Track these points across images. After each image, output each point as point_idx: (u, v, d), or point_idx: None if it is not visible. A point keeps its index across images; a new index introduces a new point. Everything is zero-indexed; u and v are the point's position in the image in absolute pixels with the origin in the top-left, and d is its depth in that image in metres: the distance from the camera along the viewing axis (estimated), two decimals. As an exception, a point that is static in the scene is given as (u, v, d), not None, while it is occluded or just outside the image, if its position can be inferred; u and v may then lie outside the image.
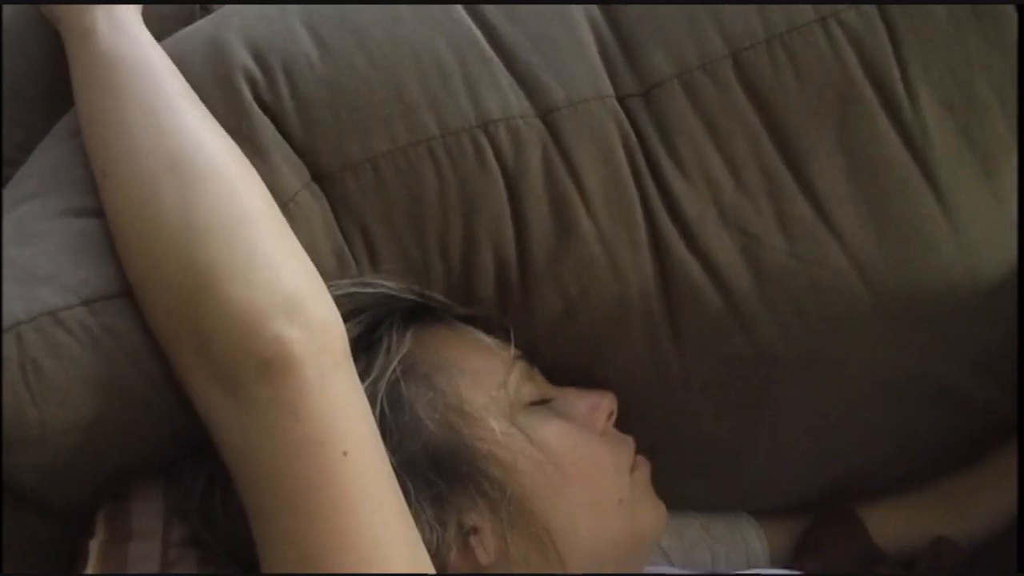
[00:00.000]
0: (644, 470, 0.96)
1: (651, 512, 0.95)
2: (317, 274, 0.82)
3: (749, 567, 1.04)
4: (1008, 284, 0.97)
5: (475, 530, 0.86)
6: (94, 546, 0.86)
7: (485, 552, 0.86)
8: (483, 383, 0.89)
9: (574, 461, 0.89)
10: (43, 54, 1.01)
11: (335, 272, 0.90)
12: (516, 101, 0.93)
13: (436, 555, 0.82)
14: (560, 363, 0.97)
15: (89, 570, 0.85)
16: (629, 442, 0.96)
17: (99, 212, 0.86)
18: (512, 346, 0.92)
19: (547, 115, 0.93)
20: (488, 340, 0.93)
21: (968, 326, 0.99)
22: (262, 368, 0.75)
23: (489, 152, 0.92)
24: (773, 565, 1.10)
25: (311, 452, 0.75)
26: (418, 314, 0.92)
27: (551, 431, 0.90)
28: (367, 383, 0.85)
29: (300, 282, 0.80)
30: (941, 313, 0.97)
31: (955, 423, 1.06)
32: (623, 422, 0.97)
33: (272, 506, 0.76)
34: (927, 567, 1.05)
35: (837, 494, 1.11)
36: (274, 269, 0.79)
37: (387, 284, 0.90)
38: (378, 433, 0.80)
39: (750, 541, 1.12)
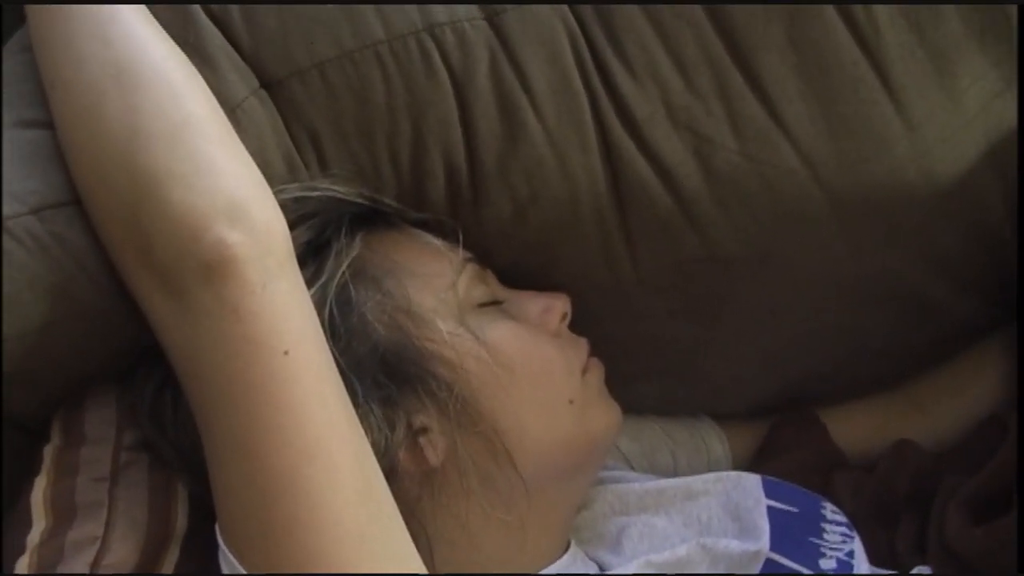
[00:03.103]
0: (597, 372, 0.96)
1: (604, 414, 0.95)
2: (262, 178, 0.82)
3: (710, 470, 1.04)
4: (964, 183, 0.97)
5: (424, 430, 0.86)
6: (48, 451, 0.87)
7: (434, 452, 0.86)
8: (432, 285, 0.90)
9: (522, 361, 0.90)
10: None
11: (285, 177, 0.90)
12: (462, 4, 0.93)
13: (385, 456, 0.83)
14: (514, 266, 0.97)
15: (42, 474, 0.86)
16: (582, 344, 0.97)
17: (48, 124, 0.86)
18: (461, 248, 0.92)
19: (493, 17, 0.93)
20: (438, 243, 0.93)
21: (924, 226, 0.98)
22: (204, 271, 0.76)
23: (436, 55, 0.92)
24: (735, 468, 1.10)
25: (251, 352, 0.75)
26: (368, 218, 0.92)
27: (500, 332, 0.90)
28: (317, 286, 0.85)
29: (243, 186, 0.80)
30: (896, 212, 0.97)
31: (913, 325, 1.06)
32: (578, 325, 0.97)
33: (215, 407, 0.77)
34: (889, 469, 1.05)
35: (798, 397, 1.12)
36: (217, 173, 0.79)
37: (336, 188, 0.90)
38: (322, 334, 0.80)
39: (711, 444, 1.13)
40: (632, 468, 1.09)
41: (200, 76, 0.85)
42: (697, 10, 0.93)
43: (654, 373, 1.06)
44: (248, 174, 0.81)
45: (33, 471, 0.87)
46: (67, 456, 0.87)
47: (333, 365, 0.79)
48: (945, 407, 1.11)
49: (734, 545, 0.90)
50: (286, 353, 0.76)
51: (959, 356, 1.11)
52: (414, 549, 0.78)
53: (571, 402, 0.91)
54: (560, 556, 0.93)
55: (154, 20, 0.86)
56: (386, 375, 0.85)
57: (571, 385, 0.92)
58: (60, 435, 0.88)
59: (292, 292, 0.79)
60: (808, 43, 0.93)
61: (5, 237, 0.82)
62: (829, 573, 0.90)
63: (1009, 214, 1.00)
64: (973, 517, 0.93)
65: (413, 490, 0.86)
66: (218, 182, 0.78)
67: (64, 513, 0.84)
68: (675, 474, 1.08)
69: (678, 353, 1.04)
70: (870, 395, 1.13)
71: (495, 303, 0.93)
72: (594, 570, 0.93)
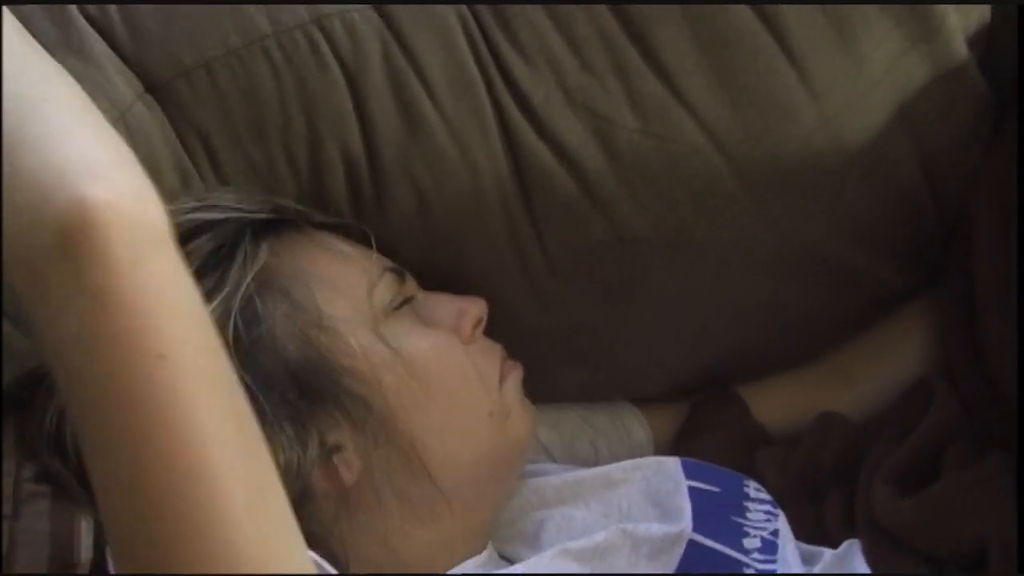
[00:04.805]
0: (515, 375, 0.94)
1: (523, 419, 0.93)
2: (130, 151, 0.66)
3: (632, 456, 1.01)
4: (874, 148, 0.96)
5: (338, 448, 0.83)
6: (-52, 487, 0.84)
7: (349, 470, 0.83)
8: (344, 294, 0.86)
9: (438, 374, 0.87)
10: None
11: (178, 188, 0.88)
12: (351, -3, 0.91)
13: (298, 475, 0.80)
14: (423, 262, 0.95)
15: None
16: (497, 351, 0.94)
17: None
18: (375, 255, 0.89)
19: (383, 5, 0.90)
20: (348, 248, 0.90)
21: (836, 193, 0.97)
22: (59, 241, 0.59)
23: (325, 47, 0.90)
24: (657, 452, 1.08)
25: (120, 355, 0.60)
26: (273, 225, 0.88)
27: (416, 343, 0.87)
28: (219, 298, 0.81)
29: (107, 148, 0.65)
30: (807, 182, 0.96)
31: (834, 295, 1.05)
32: (492, 315, 0.94)
33: (85, 419, 0.61)
34: (813, 443, 1.03)
35: (719, 375, 1.10)
36: (74, 135, 0.64)
37: (236, 206, 0.86)
38: (213, 334, 0.65)
39: (632, 430, 1.10)
40: (552, 459, 1.07)
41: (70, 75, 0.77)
42: (589, -13, 0.91)
43: (571, 360, 1.04)
44: (112, 139, 0.66)
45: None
46: (-33, 492, 0.83)
47: (225, 371, 0.65)
48: (868, 375, 1.08)
49: (655, 528, 0.87)
50: (162, 356, 0.61)
51: (880, 323, 1.09)
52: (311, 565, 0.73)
53: (491, 414, 0.89)
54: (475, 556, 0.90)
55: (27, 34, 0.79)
56: (297, 392, 0.82)
57: (489, 398, 0.90)
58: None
59: (171, 277, 0.62)
60: (704, 15, 0.91)
61: None
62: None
63: (924, 177, 0.98)
64: (899, 488, 0.92)
65: (329, 510, 0.84)
66: (74, 142, 0.63)
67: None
68: (596, 462, 1.05)
69: (594, 339, 1.03)
70: (792, 368, 1.11)
71: (406, 301, 0.90)
72: (504, 568, 0.90)
